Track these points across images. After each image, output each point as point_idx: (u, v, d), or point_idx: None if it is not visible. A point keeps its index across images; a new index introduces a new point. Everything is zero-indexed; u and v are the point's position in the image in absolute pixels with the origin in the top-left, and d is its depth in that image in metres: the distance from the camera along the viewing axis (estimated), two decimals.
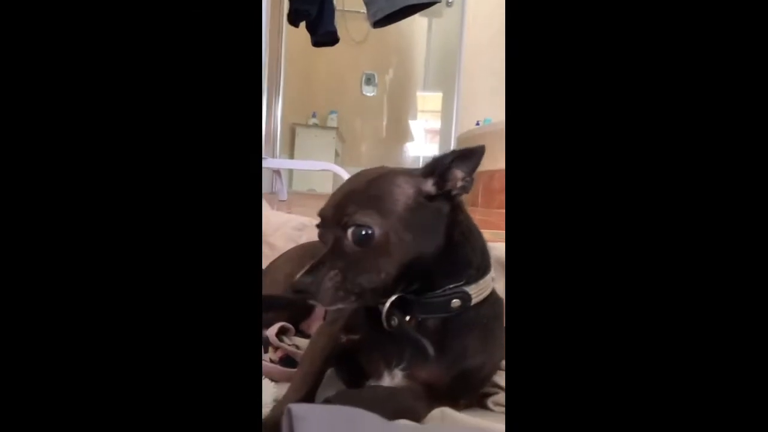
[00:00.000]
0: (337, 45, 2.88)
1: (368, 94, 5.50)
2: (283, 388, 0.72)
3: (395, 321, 0.67)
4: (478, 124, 4.34)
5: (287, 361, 0.85)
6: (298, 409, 0.54)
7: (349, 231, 0.64)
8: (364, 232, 0.63)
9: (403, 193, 0.67)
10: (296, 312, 0.99)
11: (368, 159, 5.35)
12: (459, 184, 0.68)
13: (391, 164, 0.76)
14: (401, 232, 0.64)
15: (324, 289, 0.62)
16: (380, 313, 0.68)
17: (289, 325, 0.95)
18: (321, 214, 0.69)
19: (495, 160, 2.69)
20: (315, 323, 0.99)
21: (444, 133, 4.88)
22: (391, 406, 0.62)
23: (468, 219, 0.73)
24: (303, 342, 0.92)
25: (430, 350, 0.66)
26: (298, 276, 0.63)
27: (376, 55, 5.36)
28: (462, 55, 4.35)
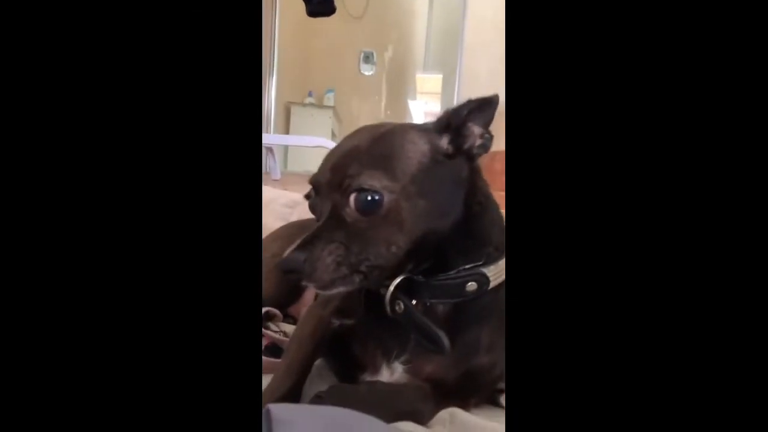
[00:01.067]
0: (334, 20, 2.75)
1: (366, 73, 5.37)
2: (267, 382, 0.63)
3: (400, 306, 0.57)
4: None
5: (273, 350, 0.76)
6: (280, 410, 0.45)
7: (352, 197, 0.53)
8: (369, 198, 0.52)
9: (417, 150, 0.55)
10: (283, 294, 0.88)
11: None
12: (478, 141, 0.58)
13: None
14: (414, 198, 0.53)
15: (322, 267, 0.51)
16: (379, 295, 0.58)
17: (276, 311, 0.85)
18: (314, 181, 0.58)
19: (496, 141, 2.60)
20: (305, 307, 0.89)
21: None
22: (392, 407, 0.53)
23: (487, 186, 0.62)
24: (292, 329, 0.82)
25: (445, 342, 0.54)
26: (287, 252, 0.52)
27: (374, 32, 5.22)
28: (464, 32, 4.22)
